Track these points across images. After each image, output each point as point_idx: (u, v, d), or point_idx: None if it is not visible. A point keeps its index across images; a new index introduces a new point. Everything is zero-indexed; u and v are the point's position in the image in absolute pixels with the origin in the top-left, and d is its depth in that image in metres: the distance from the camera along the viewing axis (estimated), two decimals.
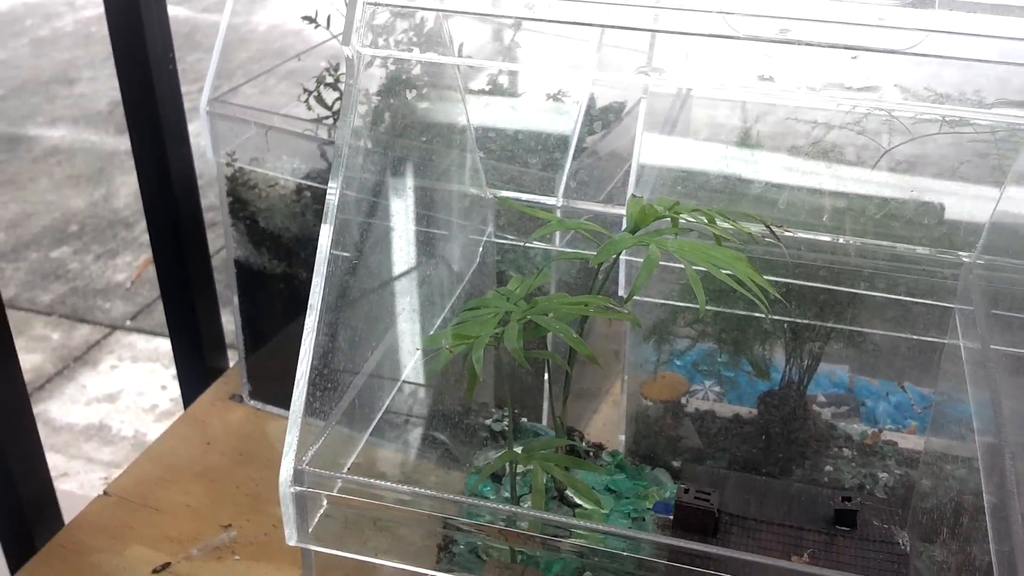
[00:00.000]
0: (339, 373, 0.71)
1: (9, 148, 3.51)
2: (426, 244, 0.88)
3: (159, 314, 2.68)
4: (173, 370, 2.46)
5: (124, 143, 3.57)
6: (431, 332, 0.88)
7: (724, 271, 0.72)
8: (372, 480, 0.64)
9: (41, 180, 3.33)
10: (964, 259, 0.89)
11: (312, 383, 0.65)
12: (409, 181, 0.84)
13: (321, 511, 0.64)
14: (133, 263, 2.89)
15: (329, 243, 0.68)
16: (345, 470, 0.69)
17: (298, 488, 0.64)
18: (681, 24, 0.67)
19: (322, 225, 0.69)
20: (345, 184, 0.69)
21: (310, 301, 0.67)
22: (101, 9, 4.40)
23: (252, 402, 1.28)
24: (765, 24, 0.69)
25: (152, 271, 2.85)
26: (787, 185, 1.02)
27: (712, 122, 1.14)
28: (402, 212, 0.83)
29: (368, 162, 0.75)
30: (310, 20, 1.16)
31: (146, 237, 2.99)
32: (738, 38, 0.64)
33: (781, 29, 0.70)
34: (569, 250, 1.01)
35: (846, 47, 0.62)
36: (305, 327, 0.67)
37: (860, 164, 1.00)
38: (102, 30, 4.49)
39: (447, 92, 0.89)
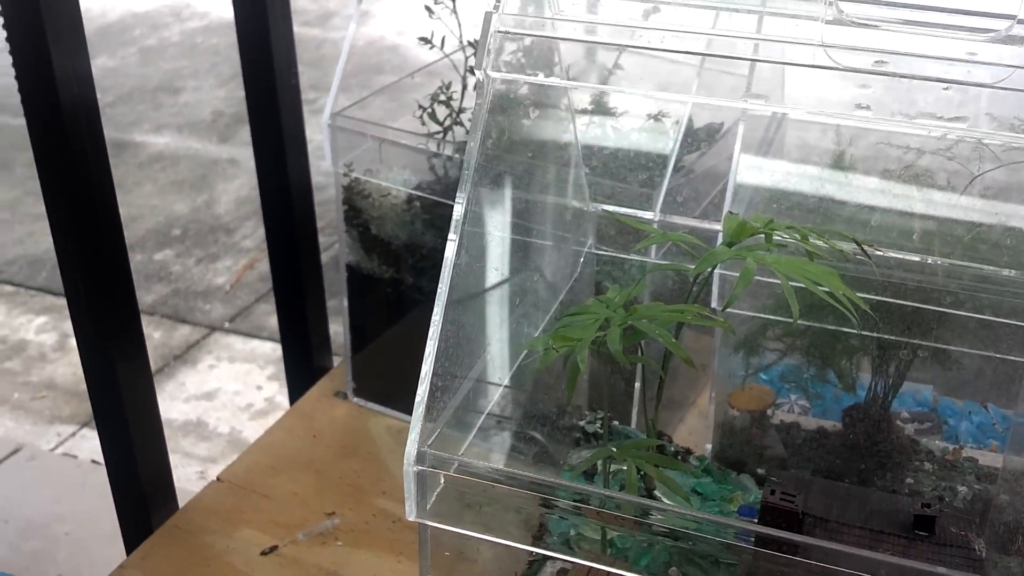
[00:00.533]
0: (453, 373, 0.77)
1: (116, 153, 3.65)
2: (533, 255, 0.94)
3: (256, 317, 2.78)
4: (268, 370, 2.57)
5: (226, 151, 3.70)
6: (534, 337, 0.94)
7: (818, 285, 0.76)
8: (482, 463, 0.70)
9: (146, 185, 3.46)
10: None
11: (435, 374, 0.71)
12: (519, 194, 0.90)
13: (438, 489, 0.71)
14: (233, 267, 3.00)
15: (454, 254, 0.75)
16: (460, 453, 0.75)
17: (420, 467, 0.70)
18: (781, 54, 0.72)
19: (449, 236, 0.75)
20: (471, 198, 0.75)
21: (435, 307, 0.73)
22: (206, 21, 4.53)
23: (356, 399, 1.35)
24: (862, 56, 0.74)
25: (250, 276, 2.97)
26: (878, 207, 1.06)
27: (807, 144, 1.18)
28: (512, 224, 0.89)
29: (485, 176, 0.81)
30: (426, 41, 1.23)
31: (246, 242, 3.12)
32: (837, 69, 0.69)
33: (876, 61, 0.75)
34: (665, 262, 1.06)
35: (937, 80, 0.67)
36: (430, 329, 0.73)
37: (950, 189, 1.04)
38: (207, 41, 4.65)
39: (557, 110, 0.95)
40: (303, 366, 1.44)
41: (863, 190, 1.09)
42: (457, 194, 0.77)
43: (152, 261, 3.02)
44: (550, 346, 0.78)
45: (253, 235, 3.17)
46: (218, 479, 1.23)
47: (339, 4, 4.99)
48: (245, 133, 3.78)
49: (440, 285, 0.76)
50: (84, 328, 1.11)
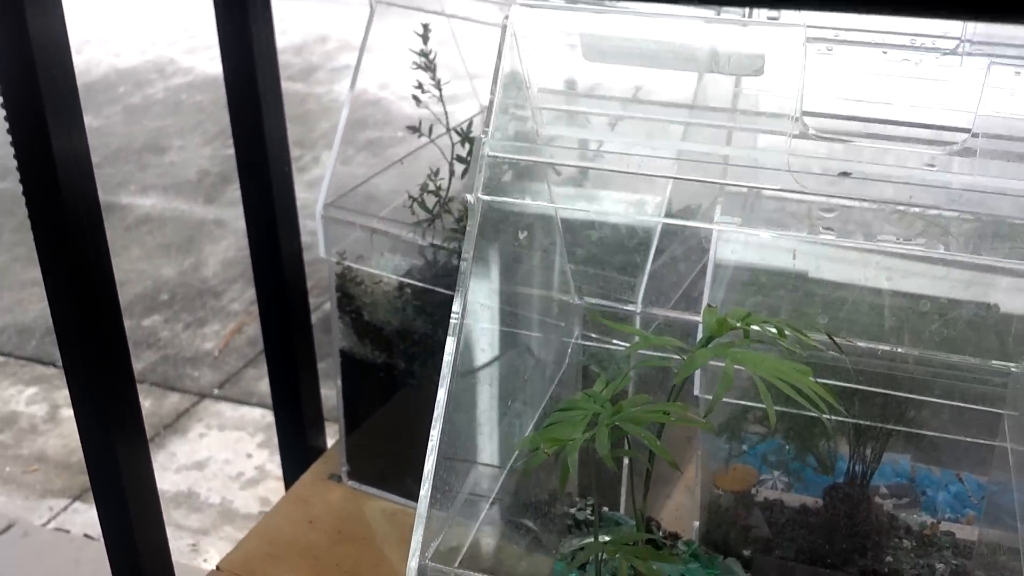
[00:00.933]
0: (453, 471, 0.80)
1: (104, 217, 3.65)
2: (524, 353, 0.98)
3: (245, 382, 2.80)
4: (258, 438, 2.59)
5: (212, 212, 3.73)
6: (527, 429, 0.98)
7: (791, 385, 0.80)
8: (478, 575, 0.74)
9: (133, 249, 3.49)
10: (1013, 369, 0.97)
11: (434, 486, 0.74)
12: (509, 292, 0.94)
13: None
14: (221, 331, 3.02)
15: (454, 357, 0.78)
16: (457, 564, 0.78)
17: None
18: (749, 179, 0.76)
19: (447, 339, 0.79)
20: (468, 303, 0.79)
21: (436, 411, 0.77)
22: (191, 77, 4.56)
23: (350, 482, 1.38)
24: (829, 165, 0.79)
25: (238, 340, 2.99)
26: (851, 283, 1.10)
27: (784, 211, 1.23)
28: (504, 324, 0.93)
29: (478, 281, 0.85)
30: (414, 130, 1.28)
31: (233, 305, 3.15)
32: (805, 193, 0.74)
33: (841, 171, 0.79)
34: (650, 353, 1.09)
35: (895, 203, 0.71)
36: (431, 434, 0.76)
37: (922, 261, 1.08)
38: (192, 98, 4.69)
39: (542, 208, 1.00)
40: (297, 447, 1.47)
41: (840, 263, 1.13)
42: (454, 304, 0.80)
43: (140, 327, 3.04)
44: (541, 449, 0.82)
45: (240, 298, 3.20)
46: (217, 568, 1.26)
47: (322, 58, 5.04)
48: (231, 192, 3.82)
49: (440, 388, 0.80)
50: (83, 401, 1.12)
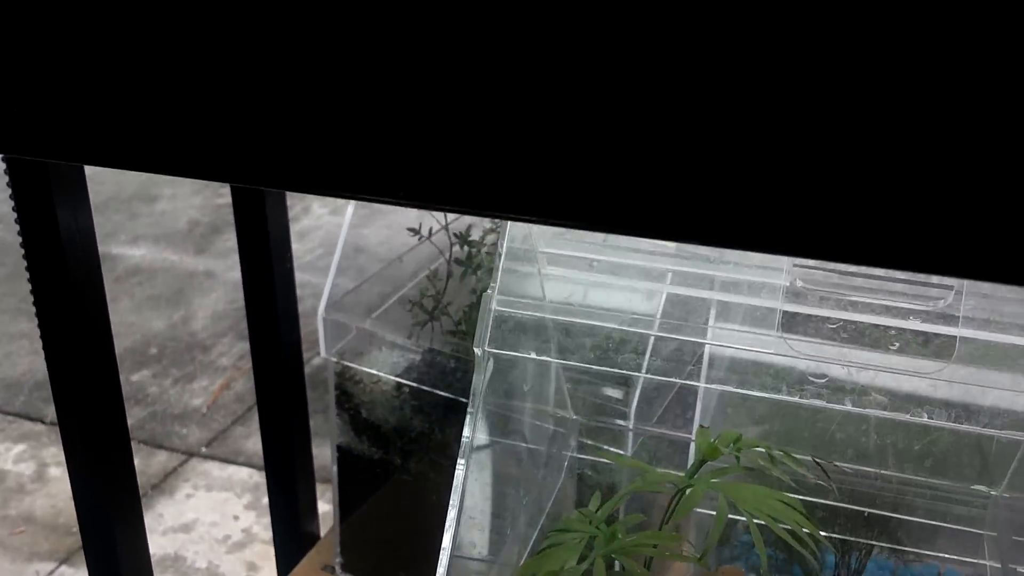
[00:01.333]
0: None
1: None
2: (525, 464, 1.02)
3: (233, 440, 2.82)
4: (245, 499, 2.61)
5: (202, 264, 3.75)
6: (527, 542, 1.01)
7: (780, 524, 0.84)
8: None
9: (123, 300, 3.51)
10: (993, 493, 1.01)
11: None
12: (511, 417, 0.97)
13: None
14: (209, 387, 3.04)
15: (463, 479, 0.82)
16: None
17: None
18: (739, 341, 0.80)
19: (458, 461, 0.83)
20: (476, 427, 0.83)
21: (446, 535, 0.80)
22: None
23: (344, 575, 1.41)
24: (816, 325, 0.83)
25: (226, 396, 3.01)
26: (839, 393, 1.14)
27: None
28: (505, 437, 0.97)
29: (483, 411, 0.88)
30: (414, 232, 1.32)
31: (222, 360, 3.17)
32: (798, 357, 0.78)
33: (832, 327, 0.83)
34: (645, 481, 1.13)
35: (879, 369, 0.76)
36: (441, 555, 0.80)
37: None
38: None
39: (542, 334, 1.03)
40: (291, 537, 1.50)
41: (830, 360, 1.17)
42: (464, 428, 0.84)
43: (129, 382, 3.05)
44: None
45: (229, 352, 3.22)
46: None
47: None
48: (221, 243, 3.85)
49: (451, 506, 0.83)
50: (77, 459, 1.12)
